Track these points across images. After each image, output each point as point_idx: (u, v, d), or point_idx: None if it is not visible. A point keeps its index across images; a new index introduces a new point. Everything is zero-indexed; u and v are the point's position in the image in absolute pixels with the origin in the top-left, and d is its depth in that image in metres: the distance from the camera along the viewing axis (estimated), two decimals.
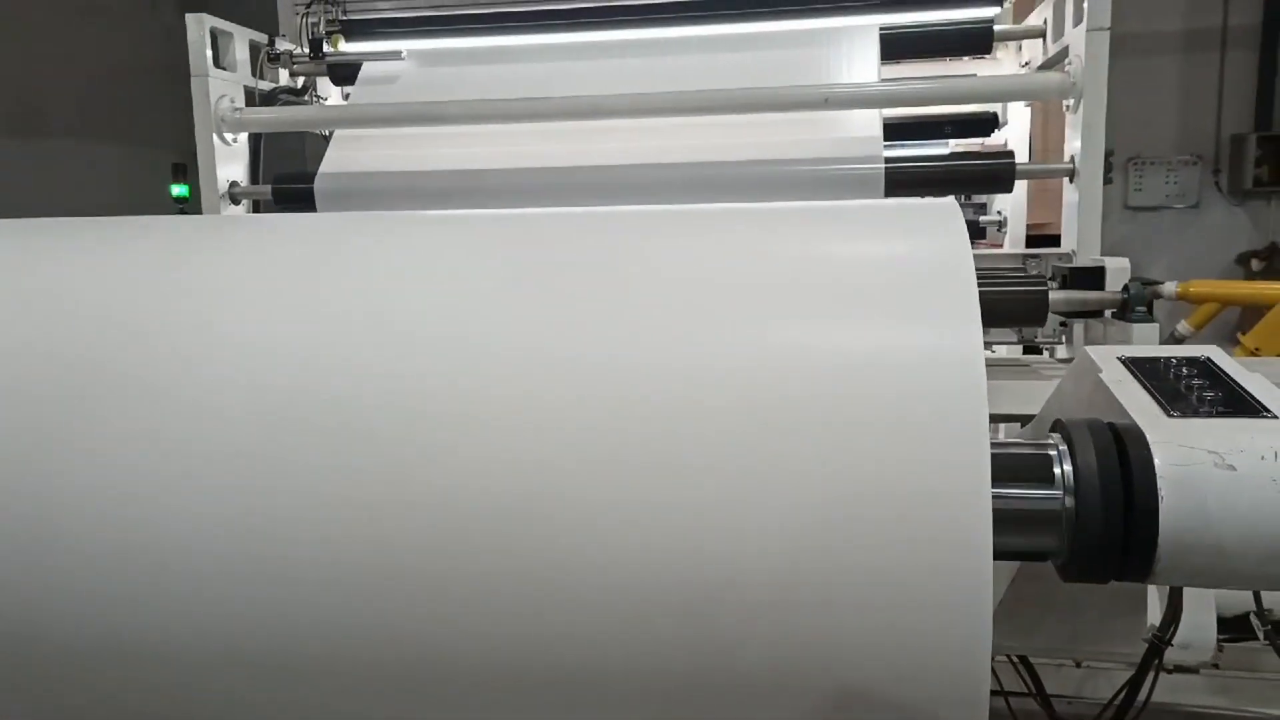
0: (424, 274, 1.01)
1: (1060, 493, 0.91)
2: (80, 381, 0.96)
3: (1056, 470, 0.93)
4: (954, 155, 2.74)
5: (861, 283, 0.89)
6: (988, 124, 2.66)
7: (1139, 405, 0.96)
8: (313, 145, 2.83)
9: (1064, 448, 0.94)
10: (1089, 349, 1.16)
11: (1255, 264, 7.24)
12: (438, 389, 0.91)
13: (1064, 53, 2.25)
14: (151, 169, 6.76)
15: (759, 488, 0.84)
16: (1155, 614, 1.43)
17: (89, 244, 1.09)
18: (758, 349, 0.87)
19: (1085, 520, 0.89)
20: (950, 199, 1.00)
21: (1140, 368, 1.08)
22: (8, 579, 0.97)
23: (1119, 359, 1.13)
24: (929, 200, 1.00)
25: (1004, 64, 2.87)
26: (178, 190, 4.60)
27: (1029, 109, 2.91)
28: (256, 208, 2.55)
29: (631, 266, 0.97)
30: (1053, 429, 1.00)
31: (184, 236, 1.09)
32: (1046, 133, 3.31)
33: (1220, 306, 3.62)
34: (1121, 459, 0.89)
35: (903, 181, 2.23)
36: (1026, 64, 2.61)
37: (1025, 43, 2.65)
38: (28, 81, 6.12)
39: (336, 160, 2.47)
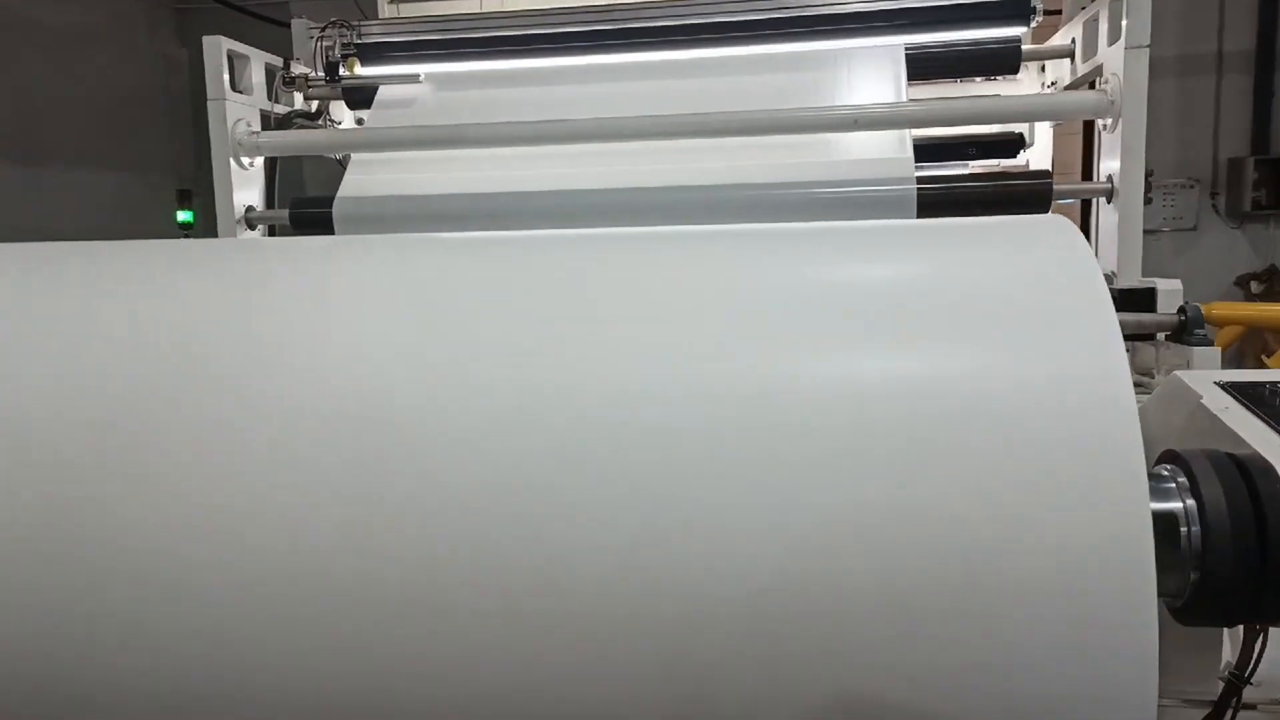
0: (494, 296, 0.95)
1: (1185, 529, 0.85)
2: (151, 405, 0.92)
3: (1176, 505, 0.87)
4: (983, 176, 2.70)
5: (997, 305, 0.83)
6: (1014, 145, 2.62)
7: (1257, 435, 0.91)
8: (311, 170, 2.77)
9: (1182, 480, 0.88)
10: (1181, 374, 1.11)
11: (1255, 286, 7.24)
12: (520, 417, 0.86)
13: (1095, 72, 2.23)
14: (150, 195, 6.71)
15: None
16: (1229, 651, 1.38)
17: (152, 267, 1.04)
18: (909, 376, 0.81)
19: (1214, 559, 0.83)
20: (1060, 216, 0.95)
21: (1243, 392, 1.03)
22: (73, 598, 0.93)
23: (1217, 384, 1.08)
24: (1039, 217, 0.95)
25: (1024, 85, 2.84)
26: (183, 216, 4.54)
27: (1050, 130, 2.88)
28: (272, 232, 2.49)
29: (763, 288, 0.92)
30: (1161, 459, 0.94)
31: (251, 259, 1.04)
32: (1055, 153, 3.29)
33: (1244, 329, 3.57)
34: (1251, 493, 0.84)
35: (935, 203, 2.18)
36: (1053, 84, 2.58)
37: (1049, 63, 2.62)
38: (25, 109, 6.07)
39: (355, 184, 2.42)
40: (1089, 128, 2.88)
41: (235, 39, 2.47)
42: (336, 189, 2.46)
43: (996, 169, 3.08)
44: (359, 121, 2.87)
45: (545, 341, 0.95)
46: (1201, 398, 1.02)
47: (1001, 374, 0.81)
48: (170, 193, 6.37)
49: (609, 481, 0.87)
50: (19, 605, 0.93)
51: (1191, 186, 7.25)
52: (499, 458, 0.89)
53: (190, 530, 0.90)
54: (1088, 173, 3.30)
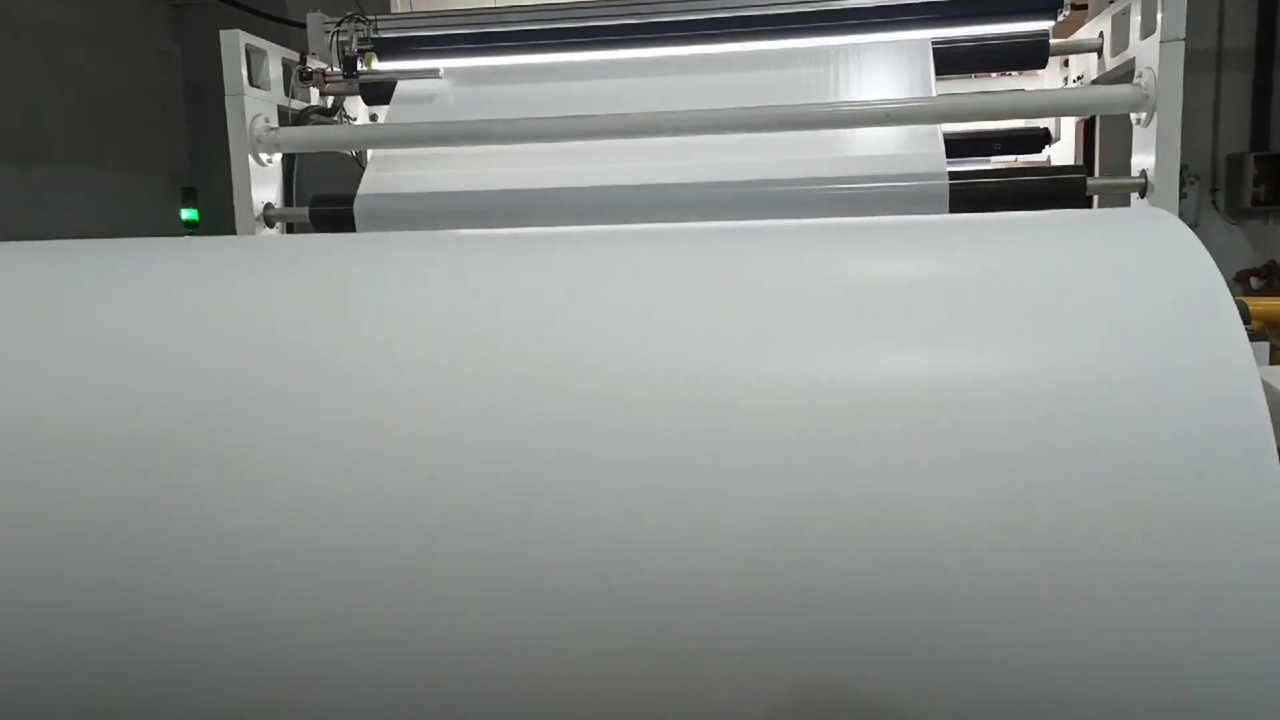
0: (588, 292, 0.93)
1: None
2: (239, 401, 0.91)
3: None
4: (1015, 171, 2.69)
5: (1118, 300, 0.81)
6: (1039, 140, 2.61)
7: None
8: (320, 167, 2.73)
9: None
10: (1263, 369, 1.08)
11: (1254, 282, 7.27)
12: (617, 412, 0.84)
13: (1125, 66, 2.21)
14: (148, 194, 6.64)
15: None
16: None
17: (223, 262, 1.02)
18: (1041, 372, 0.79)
19: None
20: (1162, 210, 0.93)
21: None
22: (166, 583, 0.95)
23: None
24: (1141, 209, 0.93)
25: (1044, 79, 2.82)
26: (188, 214, 4.48)
27: (1074, 126, 2.86)
28: (290, 230, 2.46)
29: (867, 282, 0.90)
30: None
31: (330, 254, 1.02)
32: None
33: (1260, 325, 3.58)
34: None
35: (968, 198, 2.16)
36: (1078, 79, 2.56)
37: (1074, 58, 2.60)
38: (20, 107, 6.00)
39: (375, 181, 2.38)
40: (1089, 126, 2.86)
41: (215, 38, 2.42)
42: (342, 186, 2.43)
43: (1014, 164, 3.06)
44: (372, 118, 2.84)
45: (538, 337, 0.97)
46: None
47: (1137, 371, 0.79)
48: (168, 190, 6.32)
49: (632, 476, 0.90)
50: (108, 594, 0.94)
51: (1191, 183, 7.27)
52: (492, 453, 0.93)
53: (283, 520, 0.92)
54: (1090, 169, 3.27)
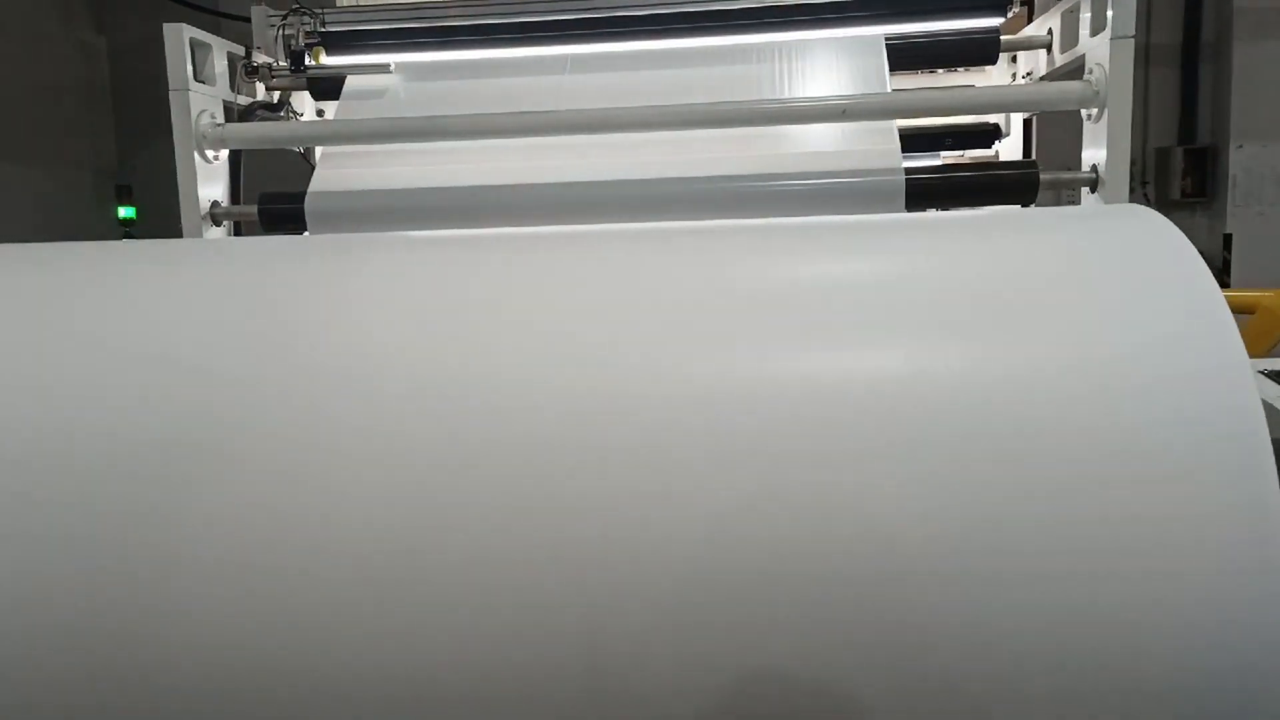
0: (584, 291, 0.93)
1: None
2: (238, 394, 0.89)
3: None
4: (968, 166, 2.72)
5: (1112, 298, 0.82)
6: (989, 135, 2.65)
7: None
8: (265, 163, 2.66)
9: None
10: None
11: None
12: (623, 414, 0.83)
13: (1073, 62, 2.25)
14: (72, 192, 6.40)
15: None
16: None
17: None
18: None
19: None
20: (1146, 208, 0.94)
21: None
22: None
23: (1261, 372, 1.08)
24: (1126, 207, 0.94)
25: (992, 76, 2.87)
26: (124, 212, 4.33)
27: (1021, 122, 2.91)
28: (238, 229, 2.38)
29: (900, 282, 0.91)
30: None
31: (327, 253, 1.01)
32: None
33: None
34: None
35: (923, 193, 2.18)
36: (1027, 75, 2.60)
37: (1022, 55, 2.65)
38: None
39: (326, 179, 2.32)
40: (1027, 122, 2.92)
41: (159, 25, 2.34)
42: (282, 185, 2.37)
43: (961, 159, 3.10)
44: (319, 113, 2.77)
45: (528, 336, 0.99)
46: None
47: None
48: (95, 188, 6.09)
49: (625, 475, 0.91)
50: (104, 591, 0.95)
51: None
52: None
53: (279, 518, 0.93)
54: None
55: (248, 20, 2.61)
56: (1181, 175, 7.27)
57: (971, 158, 3.04)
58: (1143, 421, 0.78)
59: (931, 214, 1.06)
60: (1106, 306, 0.82)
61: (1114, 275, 0.83)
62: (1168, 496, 0.79)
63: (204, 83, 2.28)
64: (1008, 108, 2.46)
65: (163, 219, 2.36)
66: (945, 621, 0.86)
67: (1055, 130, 2.90)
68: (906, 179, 2.17)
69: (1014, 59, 2.72)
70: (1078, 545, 0.80)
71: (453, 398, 0.95)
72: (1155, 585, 0.82)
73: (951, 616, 0.86)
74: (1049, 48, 2.42)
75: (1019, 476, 0.83)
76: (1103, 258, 0.85)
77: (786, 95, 2.29)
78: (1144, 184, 7.44)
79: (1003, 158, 2.87)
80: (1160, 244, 0.84)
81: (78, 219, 5.96)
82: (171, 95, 2.19)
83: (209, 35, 2.30)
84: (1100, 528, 0.82)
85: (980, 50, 2.44)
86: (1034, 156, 2.87)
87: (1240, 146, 7.09)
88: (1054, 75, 2.41)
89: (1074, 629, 0.84)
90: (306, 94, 2.64)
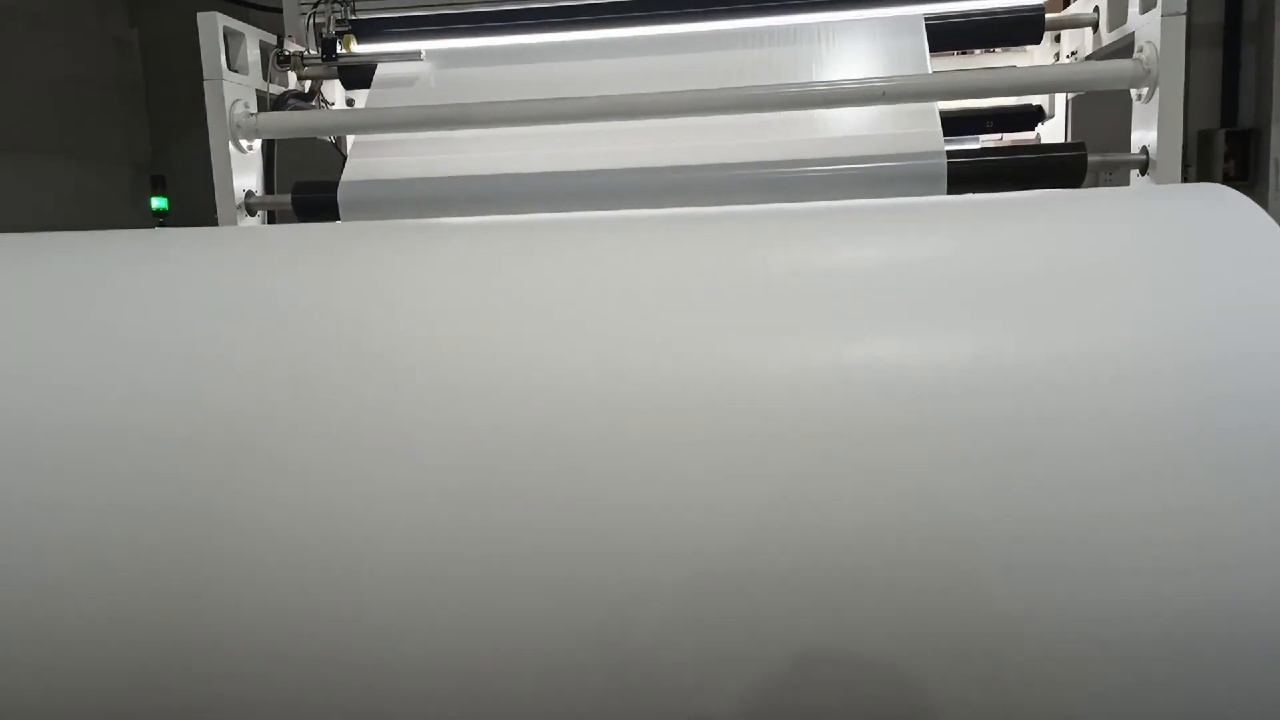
0: (621, 283, 0.90)
1: None
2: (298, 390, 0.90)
3: None
4: (1013, 149, 2.66)
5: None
6: (1032, 117, 2.58)
7: None
8: (292, 153, 2.65)
9: None
10: None
11: None
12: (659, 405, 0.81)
13: (1121, 40, 2.19)
14: (107, 183, 6.46)
15: None
16: None
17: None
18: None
19: None
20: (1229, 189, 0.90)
21: None
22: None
23: None
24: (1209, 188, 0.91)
25: (1034, 56, 2.80)
26: (157, 203, 4.35)
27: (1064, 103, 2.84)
28: (272, 218, 2.38)
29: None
30: None
31: (379, 243, 0.99)
32: None
33: None
34: None
35: (966, 177, 2.13)
36: (1072, 54, 2.53)
37: (1066, 34, 2.58)
38: None
39: (359, 168, 2.31)
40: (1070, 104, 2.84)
41: (189, 19, 2.33)
42: (312, 174, 2.35)
43: (1000, 142, 3.03)
44: (349, 102, 2.76)
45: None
46: None
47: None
48: (131, 179, 6.14)
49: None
50: (161, 589, 0.95)
51: None
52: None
53: (319, 512, 0.93)
54: None
55: (278, 11, 2.61)
56: (1225, 158, 7.12)
57: (1012, 141, 2.98)
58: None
59: (1013, 194, 1.04)
60: (1223, 288, 0.80)
61: (1223, 254, 0.81)
62: None
63: (237, 72, 2.27)
64: (1056, 88, 2.39)
65: (196, 210, 2.36)
66: (1019, 614, 0.83)
67: (1084, 112, 2.83)
68: (948, 162, 2.12)
69: (1057, 39, 2.65)
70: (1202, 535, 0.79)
71: (491, 390, 0.93)
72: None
73: (1031, 608, 0.83)
74: (1095, 26, 2.35)
75: (1134, 465, 0.81)
76: (1207, 238, 0.82)
77: (823, 78, 2.23)
78: (1186, 167, 7.27)
79: (1045, 140, 2.81)
80: (1249, 227, 0.80)
81: (113, 211, 6.01)
82: (206, 84, 2.18)
83: (242, 24, 2.29)
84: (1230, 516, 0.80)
85: (1023, 29, 2.37)
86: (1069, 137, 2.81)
87: None
88: (1100, 54, 2.35)
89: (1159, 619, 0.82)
90: (337, 83, 2.63)
